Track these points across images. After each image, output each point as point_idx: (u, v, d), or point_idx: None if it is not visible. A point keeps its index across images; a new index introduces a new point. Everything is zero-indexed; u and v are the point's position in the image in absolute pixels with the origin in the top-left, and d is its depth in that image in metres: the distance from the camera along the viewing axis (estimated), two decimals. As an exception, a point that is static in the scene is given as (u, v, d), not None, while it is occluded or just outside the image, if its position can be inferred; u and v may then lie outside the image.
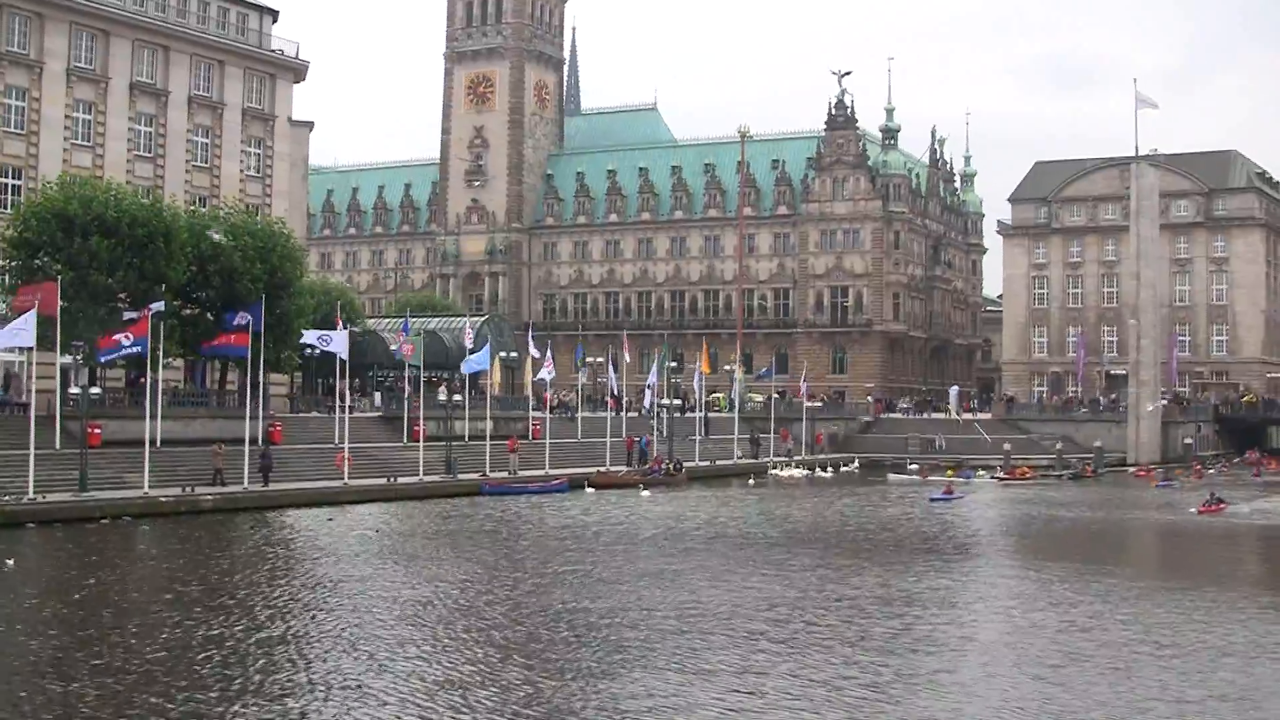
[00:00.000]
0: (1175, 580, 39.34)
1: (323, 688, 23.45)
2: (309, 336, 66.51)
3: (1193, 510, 60.44)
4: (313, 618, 30.55)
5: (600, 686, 23.80)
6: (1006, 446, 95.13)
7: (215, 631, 28.31)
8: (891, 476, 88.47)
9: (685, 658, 26.16)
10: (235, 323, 59.08)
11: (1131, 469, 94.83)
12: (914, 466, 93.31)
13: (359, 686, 23.48)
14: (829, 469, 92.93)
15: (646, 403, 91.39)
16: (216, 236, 64.89)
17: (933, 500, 65.71)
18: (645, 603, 32.92)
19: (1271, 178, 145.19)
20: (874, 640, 28.43)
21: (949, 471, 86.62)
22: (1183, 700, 23.65)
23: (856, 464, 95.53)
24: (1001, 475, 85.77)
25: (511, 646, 27.37)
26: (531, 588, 35.75)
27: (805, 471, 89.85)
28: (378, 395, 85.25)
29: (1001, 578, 39.65)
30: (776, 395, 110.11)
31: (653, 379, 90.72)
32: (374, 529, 49.07)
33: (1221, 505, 60.63)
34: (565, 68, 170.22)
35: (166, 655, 25.93)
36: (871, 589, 35.76)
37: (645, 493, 68.62)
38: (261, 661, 25.70)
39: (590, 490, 70.15)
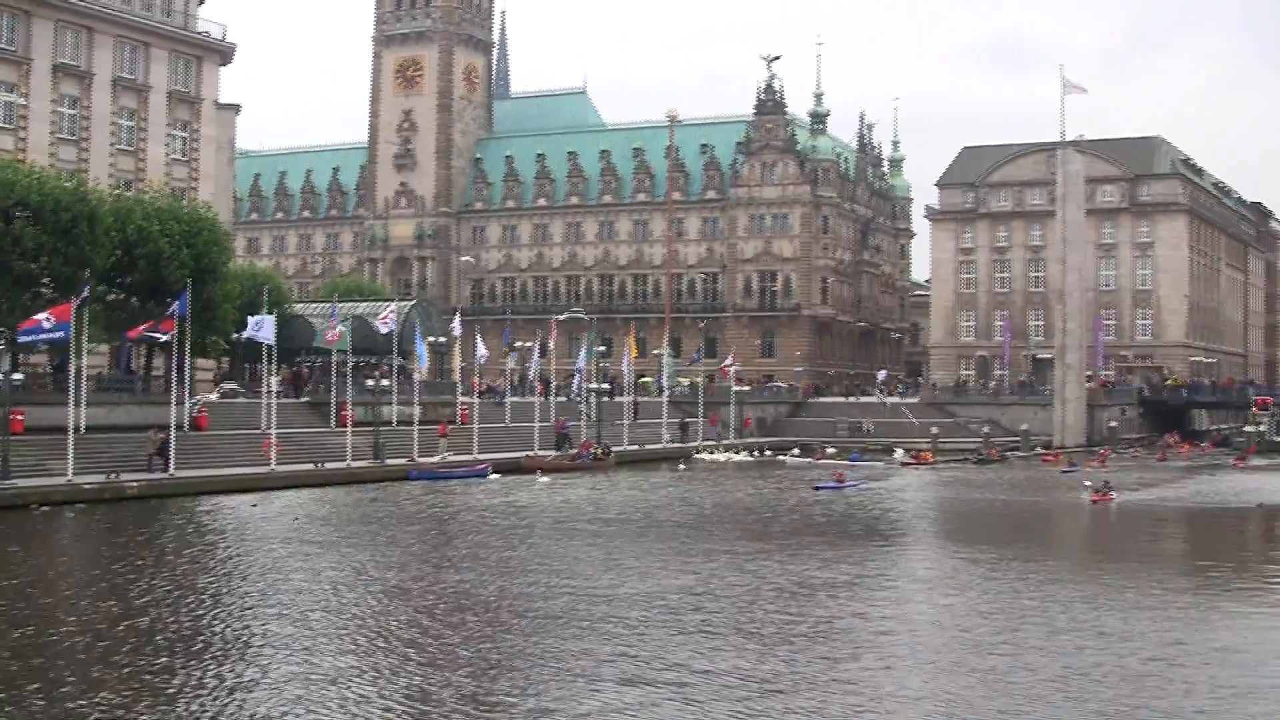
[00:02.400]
0: (1032, 562, 39.74)
1: (205, 685, 23.03)
2: (250, 326, 66.00)
3: (1085, 497, 60.14)
4: (207, 607, 30.24)
5: (474, 681, 23.52)
6: (934, 430, 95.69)
7: (107, 622, 28.06)
8: (787, 460, 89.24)
9: (569, 647, 26.06)
10: (170, 313, 58.51)
11: (1040, 453, 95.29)
12: (796, 451, 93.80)
13: (242, 686, 23.06)
14: (752, 452, 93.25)
15: (574, 387, 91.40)
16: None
17: (819, 489, 63.95)
18: (540, 589, 32.91)
19: (1195, 164, 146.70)
20: (768, 629, 28.44)
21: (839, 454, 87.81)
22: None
23: (797, 451, 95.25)
24: (906, 459, 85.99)
25: (396, 637, 27.09)
26: (423, 573, 35.57)
27: (733, 455, 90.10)
28: (308, 381, 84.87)
29: (879, 561, 39.84)
30: (705, 379, 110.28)
31: (581, 363, 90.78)
32: (295, 515, 48.76)
33: (1111, 494, 59.77)
34: (494, 51, 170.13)
35: (62, 646, 25.75)
36: (770, 576, 35.72)
37: (543, 479, 67.83)
38: (147, 653, 25.43)
39: (541, 476, 69.76)
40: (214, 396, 68.74)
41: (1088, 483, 62.25)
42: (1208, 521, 56.71)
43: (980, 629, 28.82)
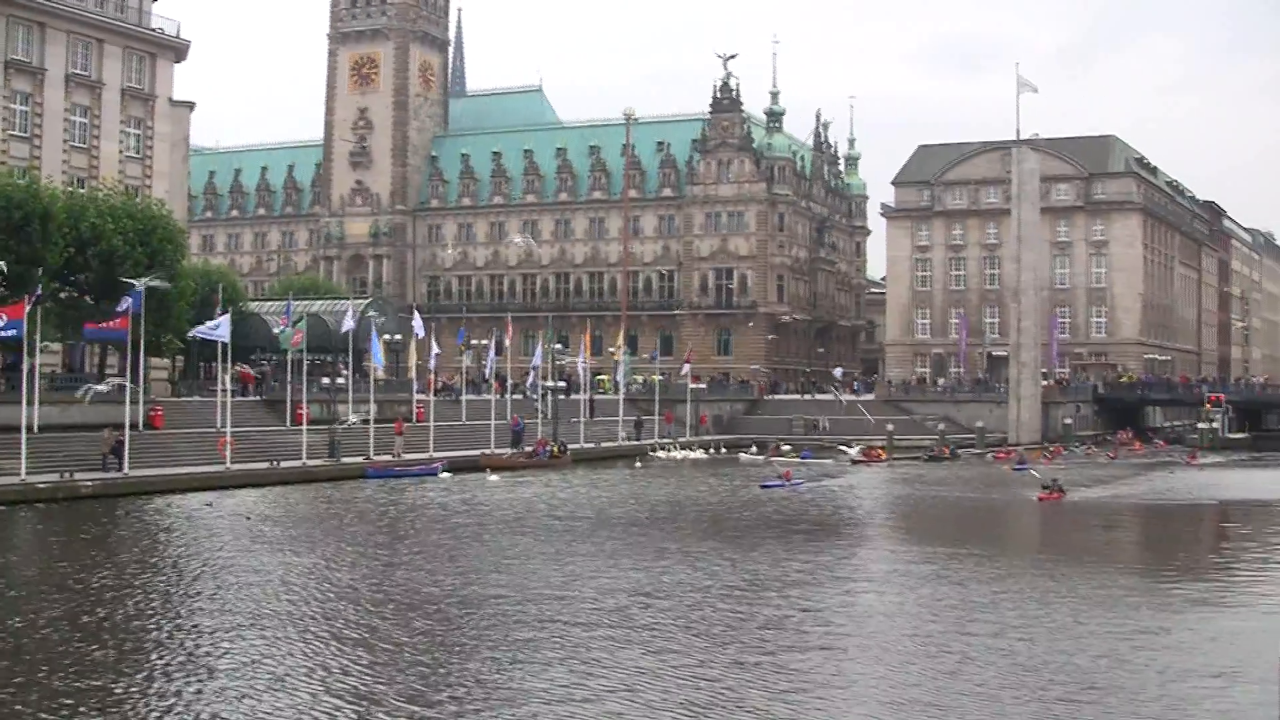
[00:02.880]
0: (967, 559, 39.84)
1: (149, 686, 22.90)
2: (202, 329, 65.64)
3: (1033, 495, 59.63)
4: (153, 607, 30.08)
5: (420, 681, 23.44)
6: (890, 427, 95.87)
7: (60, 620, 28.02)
8: (742, 457, 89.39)
9: (517, 647, 26.00)
10: (123, 309, 58.17)
11: (991, 451, 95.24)
12: (753, 449, 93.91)
13: (187, 686, 22.90)
14: (709, 450, 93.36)
15: (529, 383, 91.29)
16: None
17: (765, 487, 63.53)
18: (488, 588, 32.91)
19: (1149, 163, 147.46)
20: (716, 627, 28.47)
21: (791, 452, 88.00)
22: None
23: (754, 448, 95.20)
24: (858, 457, 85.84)
25: (343, 636, 26.90)
26: (372, 572, 35.52)
27: (689, 453, 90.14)
28: (264, 379, 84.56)
29: (833, 558, 40.00)
30: (661, 377, 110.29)
31: (537, 361, 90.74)
32: (248, 515, 48.47)
33: (1062, 493, 59.23)
34: (450, 49, 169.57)
35: (6, 646, 25.60)
36: (721, 574, 35.72)
37: (493, 477, 67.41)
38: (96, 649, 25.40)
39: (492, 474, 69.47)
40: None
41: (1036, 474, 61.98)
42: (1159, 518, 56.94)
43: (931, 626, 28.88)
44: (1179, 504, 61.61)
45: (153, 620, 28.46)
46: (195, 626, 27.71)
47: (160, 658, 24.82)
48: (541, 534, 44.38)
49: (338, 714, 21.18)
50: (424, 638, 26.97)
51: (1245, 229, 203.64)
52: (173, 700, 21.76)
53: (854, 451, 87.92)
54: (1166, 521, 56.53)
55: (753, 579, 34.68)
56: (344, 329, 76.92)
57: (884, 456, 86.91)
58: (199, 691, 22.30)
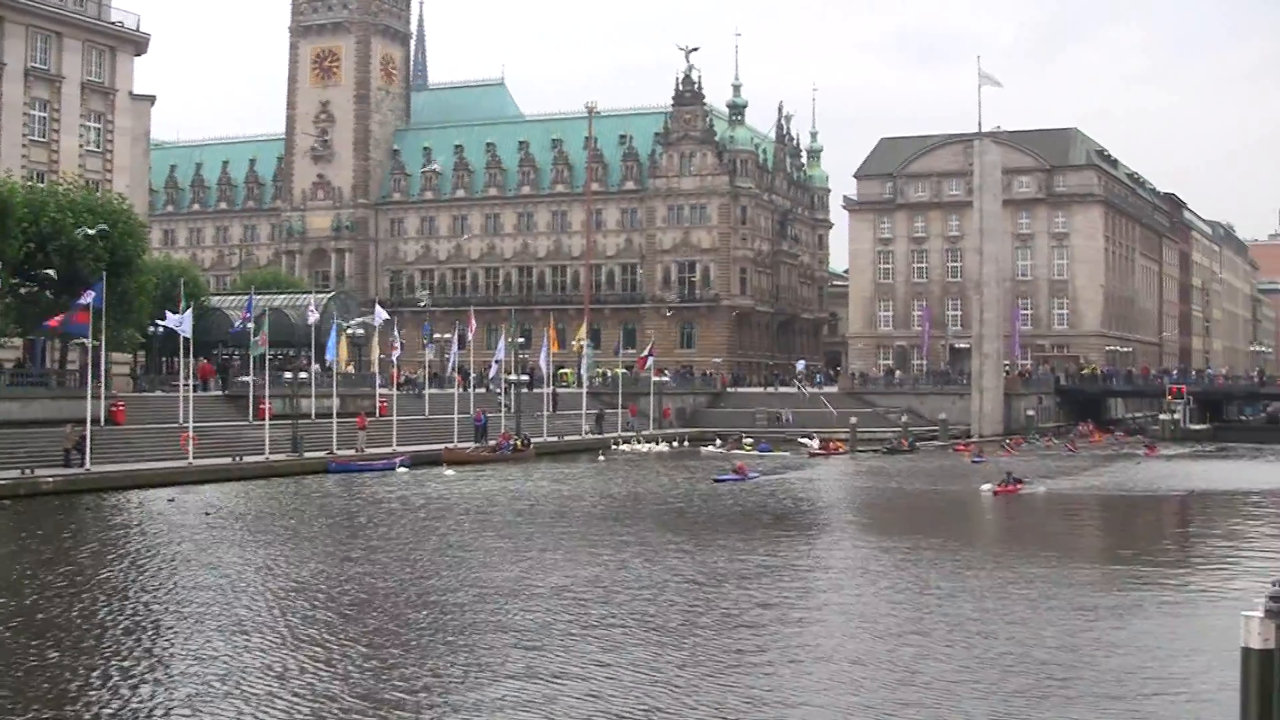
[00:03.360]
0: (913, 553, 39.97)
1: (98, 682, 22.82)
2: (170, 321, 65.33)
3: (989, 488, 59.27)
4: (108, 603, 30.02)
5: (374, 678, 23.35)
6: (853, 420, 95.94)
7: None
8: (704, 450, 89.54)
9: (472, 641, 26.10)
10: (80, 302, 57.87)
11: (952, 443, 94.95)
12: (718, 442, 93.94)
13: (138, 682, 22.84)
14: (673, 443, 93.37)
15: (491, 376, 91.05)
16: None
17: (718, 481, 63.21)
18: (444, 582, 33.00)
19: (1110, 155, 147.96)
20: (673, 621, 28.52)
21: (749, 445, 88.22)
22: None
23: (717, 441, 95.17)
24: (815, 450, 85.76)
25: (297, 633, 26.91)
26: (329, 567, 35.42)
27: (652, 446, 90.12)
28: (227, 374, 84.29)
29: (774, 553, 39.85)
30: (624, 370, 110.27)
31: (500, 355, 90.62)
32: (207, 510, 48.23)
33: (1018, 485, 59.02)
34: (412, 42, 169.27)
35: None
36: (678, 567, 35.81)
37: (449, 472, 67.16)
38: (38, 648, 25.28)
39: (449, 469, 69.26)
40: None
41: (993, 468, 61.51)
42: (1114, 509, 57.38)
43: (887, 619, 29.04)
44: (1135, 495, 61.93)
45: (108, 617, 28.33)
46: (148, 624, 27.68)
47: (113, 655, 24.73)
48: (500, 528, 44.46)
49: (290, 713, 21.09)
50: (376, 635, 26.89)
51: (1205, 221, 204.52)
52: (124, 699, 21.69)
53: (814, 444, 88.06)
54: (1122, 512, 56.98)
55: (709, 573, 34.76)
56: (308, 321, 76.73)
57: (842, 449, 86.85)
58: (150, 691, 22.22)
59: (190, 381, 68.90)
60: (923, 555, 38.84)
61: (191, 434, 61.72)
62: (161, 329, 70.64)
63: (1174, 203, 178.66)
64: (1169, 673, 24.45)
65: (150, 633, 26.74)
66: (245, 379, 75.37)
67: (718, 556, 37.61)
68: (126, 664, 24.04)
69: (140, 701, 21.52)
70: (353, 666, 24.09)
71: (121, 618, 28.32)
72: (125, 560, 36.93)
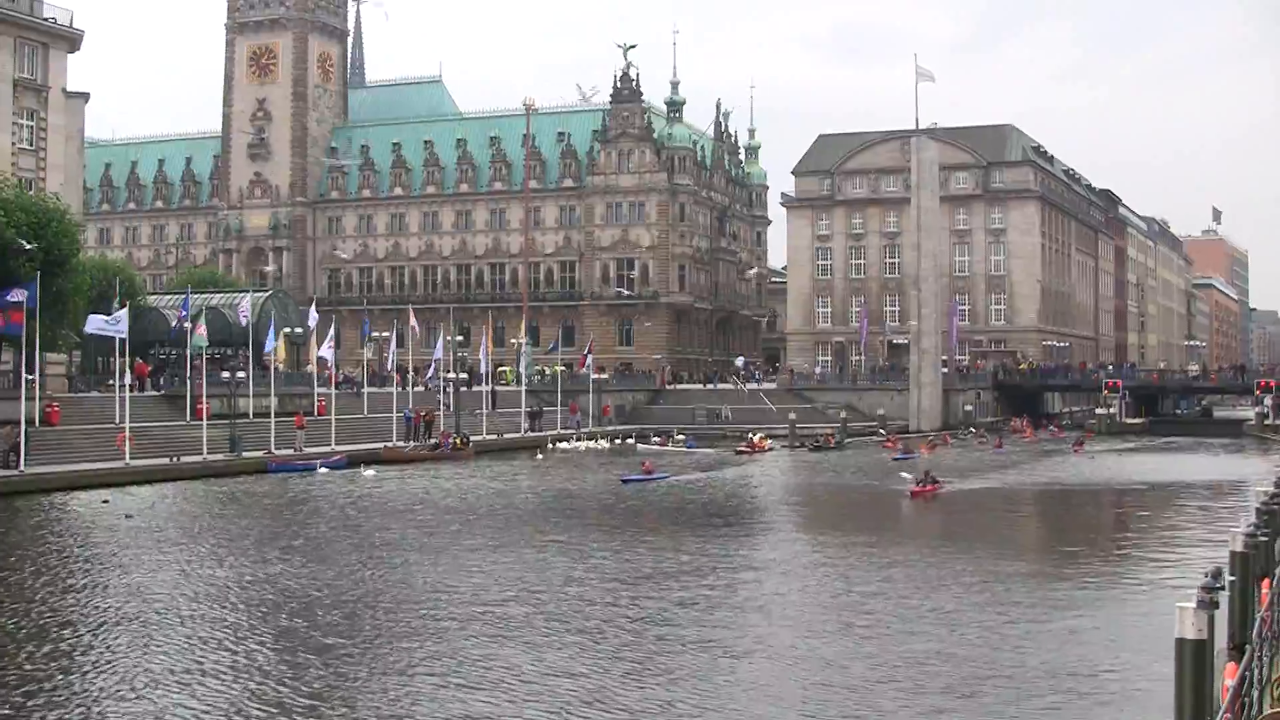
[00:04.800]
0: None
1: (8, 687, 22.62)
2: (92, 324, 64.77)
3: (908, 478, 58.21)
4: (25, 605, 29.67)
5: (285, 687, 22.98)
6: (792, 416, 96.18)
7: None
8: (640, 446, 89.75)
9: (387, 645, 26.05)
10: (9, 299, 57.31)
11: (881, 439, 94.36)
12: (655, 439, 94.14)
13: (48, 688, 22.58)
14: (612, 440, 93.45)
15: (429, 376, 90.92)
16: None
17: (625, 481, 61.74)
18: (360, 584, 32.91)
19: (1046, 151, 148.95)
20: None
21: (678, 442, 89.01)
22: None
23: (653, 437, 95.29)
24: (741, 448, 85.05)
25: (208, 639, 26.46)
26: (247, 569, 35.13)
27: (591, 443, 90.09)
28: (161, 374, 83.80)
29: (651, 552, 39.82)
30: (563, 368, 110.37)
31: (439, 354, 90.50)
32: (127, 513, 47.44)
33: (936, 485, 56.82)
34: (349, 39, 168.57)
35: None
36: (600, 567, 35.84)
37: (368, 472, 65.98)
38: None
39: (368, 469, 68.09)
40: None
41: (906, 475, 60.04)
42: (1029, 506, 57.45)
43: (812, 616, 29.11)
44: (1050, 491, 62.13)
45: (24, 619, 28.04)
46: (61, 627, 27.33)
47: (24, 659, 24.48)
48: (427, 528, 44.46)
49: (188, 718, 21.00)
50: (290, 639, 26.70)
51: (1140, 217, 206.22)
52: (38, 705, 21.45)
53: (757, 438, 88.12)
54: (1037, 509, 57.13)
55: (631, 572, 34.75)
56: (240, 322, 76.40)
57: (766, 446, 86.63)
58: (50, 696, 21.97)
59: (127, 382, 68.45)
60: (836, 553, 39.01)
61: (128, 434, 61.33)
62: (94, 333, 70.05)
63: (1109, 199, 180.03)
64: (1088, 666, 24.63)
65: (63, 636, 26.44)
66: (182, 377, 74.93)
67: (638, 556, 37.62)
68: (28, 669, 23.78)
69: (41, 705, 21.34)
70: (262, 672, 23.86)
71: (37, 621, 27.93)
72: (53, 562, 36.58)
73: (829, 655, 25.24)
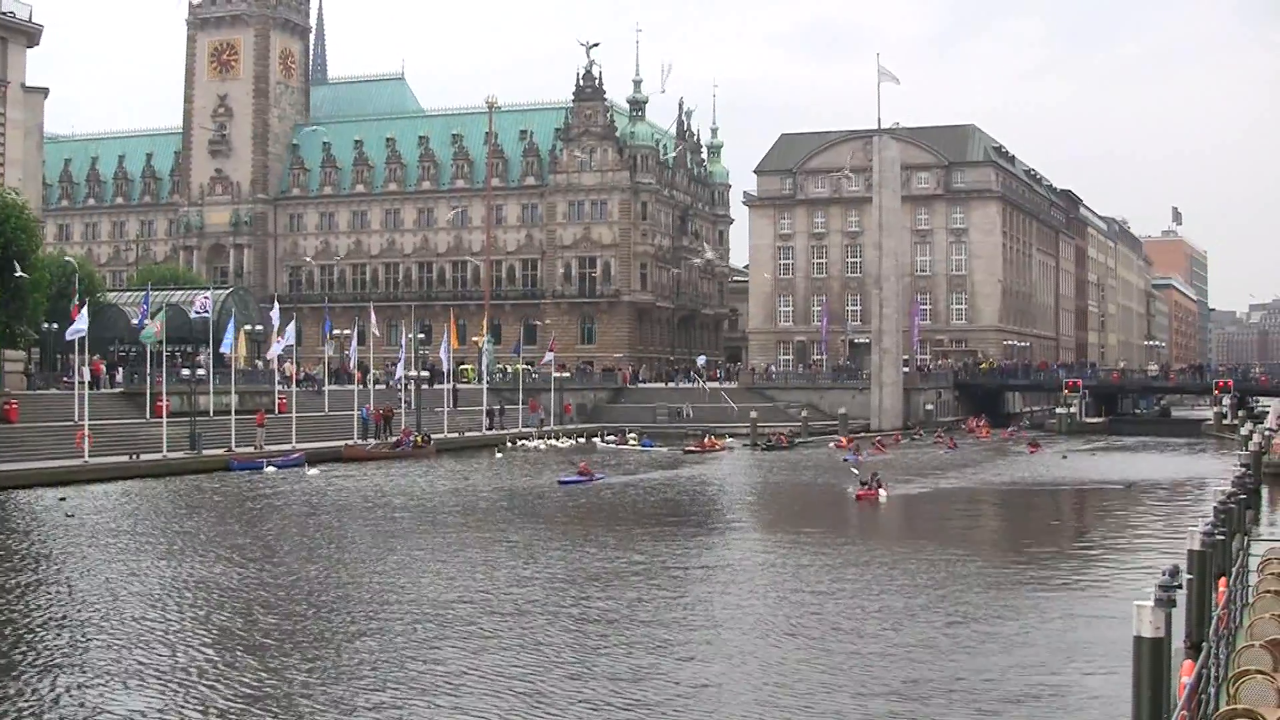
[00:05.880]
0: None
1: None
2: (71, 333, 64.51)
3: (852, 491, 56.23)
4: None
5: (224, 688, 22.87)
6: (753, 414, 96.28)
7: None
8: (599, 444, 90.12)
9: (330, 645, 26.04)
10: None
11: (834, 439, 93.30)
12: (611, 437, 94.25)
13: None
14: (573, 438, 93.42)
15: (398, 375, 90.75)
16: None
17: (562, 483, 60.72)
18: (308, 583, 32.91)
19: (1008, 152, 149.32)
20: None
21: (634, 440, 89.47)
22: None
23: (613, 437, 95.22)
24: (690, 447, 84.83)
25: (146, 640, 26.27)
26: (192, 569, 34.98)
27: (553, 442, 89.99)
28: (119, 370, 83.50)
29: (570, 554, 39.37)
30: (526, 366, 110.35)
31: (403, 353, 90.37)
32: (69, 512, 47.14)
33: (881, 488, 55.23)
34: (311, 36, 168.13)
35: None
36: (549, 566, 35.83)
37: (312, 471, 65.45)
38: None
39: (312, 468, 67.44)
40: None
41: (855, 470, 59.35)
42: (971, 510, 56.94)
43: (759, 617, 29.06)
44: (1002, 492, 62.15)
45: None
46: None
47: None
48: (377, 526, 44.56)
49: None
50: (227, 639, 26.57)
51: (1101, 217, 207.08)
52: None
53: (729, 438, 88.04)
54: (988, 510, 57.09)
55: (578, 573, 34.72)
56: (192, 315, 76.04)
57: (718, 446, 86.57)
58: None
59: (86, 379, 68.18)
60: (783, 555, 39.14)
61: (87, 432, 61.03)
62: (55, 325, 69.66)
63: (1070, 199, 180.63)
64: (1029, 662, 24.85)
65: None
66: (142, 374, 74.65)
67: (582, 556, 37.66)
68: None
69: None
70: (194, 671, 23.73)
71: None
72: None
73: (775, 657, 25.27)
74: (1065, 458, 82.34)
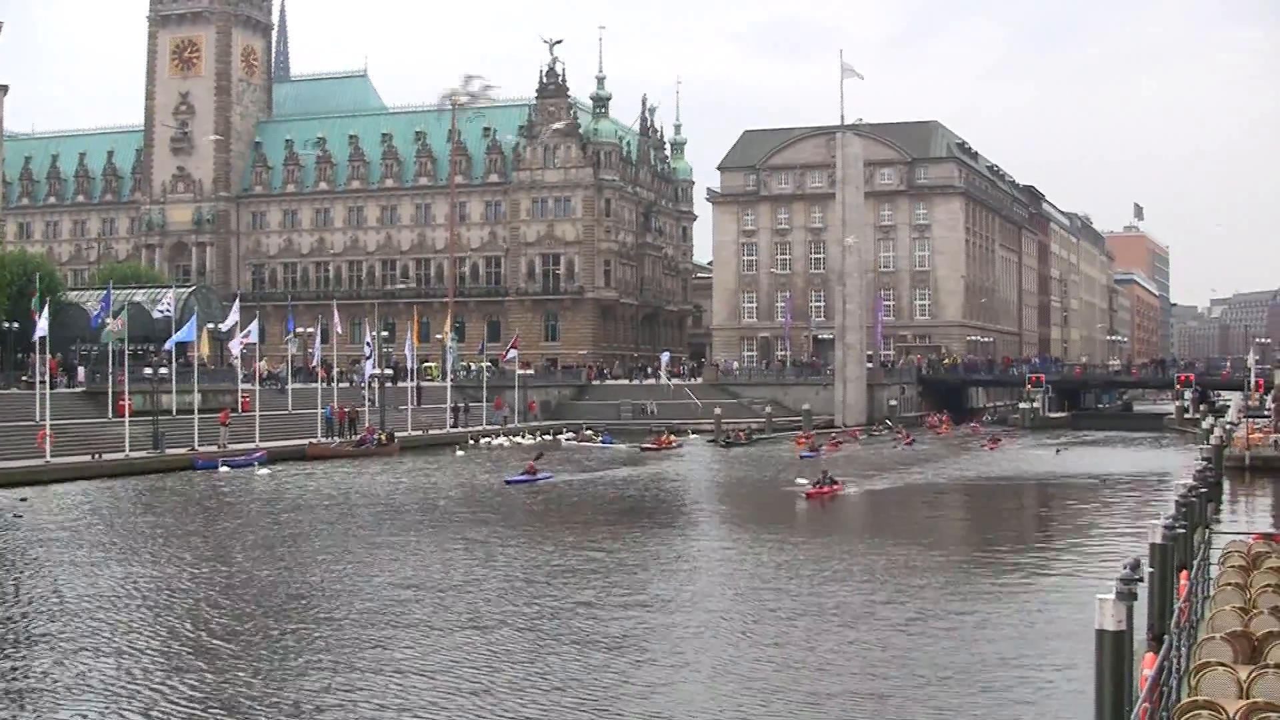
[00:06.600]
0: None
1: None
2: (39, 330, 64.29)
3: (802, 490, 55.49)
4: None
5: (159, 685, 22.80)
6: (717, 411, 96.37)
7: None
8: (563, 441, 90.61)
9: (278, 643, 26.01)
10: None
11: (794, 435, 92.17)
12: (569, 434, 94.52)
13: None
14: (535, 435, 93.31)
15: (366, 374, 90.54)
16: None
17: (509, 482, 60.27)
18: (259, 582, 32.78)
19: (970, 148, 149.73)
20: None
21: (594, 437, 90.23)
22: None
23: (568, 434, 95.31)
24: (647, 444, 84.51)
25: (91, 639, 26.17)
26: (138, 570, 34.81)
27: (517, 439, 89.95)
28: (80, 369, 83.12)
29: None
30: (489, 364, 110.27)
31: (368, 351, 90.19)
32: (17, 513, 46.71)
33: (835, 486, 55.03)
34: (274, 33, 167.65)
35: None
36: (500, 565, 35.85)
37: (263, 471, 65.40)
38: None
39: (262, 468, 67.21)
40: None
41: (802, 480, 58.03)
42: (944, 505, 57.15)
43: (715, 613, 29.07)
44: (960, 488, 62.19)
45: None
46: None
47: None
48: (334, 525, 44.53)
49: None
50: (177, 642, 26.40)
51: (1063, 213, 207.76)
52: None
53: (703, 437, 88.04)
54: (947, 507, 56.99)
55: (533, 572, 34.66)
56: (154, 314, 75.75)
57: (673, 443, 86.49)
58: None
59: (47, 378, 67.88)
60: (735, 553, 39.29)
61: (49, 431, 60.75)
62: (15, 324, 69.32)
63: (1033, 195, 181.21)
64: (990, 658, 24.94)
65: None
66: (103, 373, 74.30)
67: (541, 553, 37.71)
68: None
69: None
70: (140, 673, 23.61)
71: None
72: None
73: (729, 655, 25.25)
74: (1059, 453, 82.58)
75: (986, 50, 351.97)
